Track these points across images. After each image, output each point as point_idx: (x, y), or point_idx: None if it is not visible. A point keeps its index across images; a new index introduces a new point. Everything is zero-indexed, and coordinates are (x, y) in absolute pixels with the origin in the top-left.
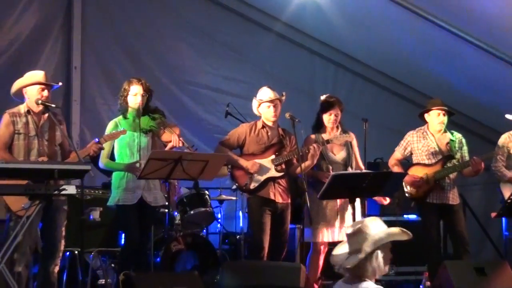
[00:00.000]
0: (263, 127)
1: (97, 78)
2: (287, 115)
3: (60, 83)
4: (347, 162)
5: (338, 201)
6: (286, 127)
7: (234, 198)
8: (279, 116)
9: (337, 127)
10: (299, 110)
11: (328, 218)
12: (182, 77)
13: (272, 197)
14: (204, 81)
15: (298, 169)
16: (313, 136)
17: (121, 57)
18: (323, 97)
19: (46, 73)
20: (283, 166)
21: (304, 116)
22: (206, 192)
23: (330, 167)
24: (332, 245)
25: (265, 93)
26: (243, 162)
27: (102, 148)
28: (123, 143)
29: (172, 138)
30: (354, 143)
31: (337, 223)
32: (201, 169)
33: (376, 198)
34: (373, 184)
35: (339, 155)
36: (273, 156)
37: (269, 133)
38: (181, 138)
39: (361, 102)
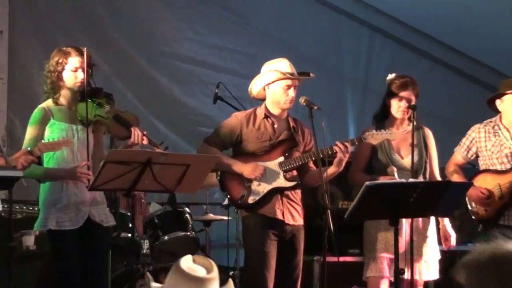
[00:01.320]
0: (266, 117)
1: (32, 46)
2: (302, 100)
3: None
4: (419, 168)
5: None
6: (299, 116)
7: (225, 217)
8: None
9: (409, 119)
10: (319, 93)
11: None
12: (153, 45)
13: (279, 216)
14: (184, 51)
15: (316, 177)
16: (372, 128)
17: (66, 17)
18: (391, 76)
19: None
20: (295, 172)
21: (326, 101)
22: (187, 209)
23: (395, 171)
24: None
25: (283, 66)
26: (238, 166)
27: (34, 162)
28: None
29: (132, 133)
30: (431, 143)
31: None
32: (180, 176)
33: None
34: (424, 199)
35: (408, 158)
36: (281, 159)
37: (275, 126)
38: (145, 133)
39: None
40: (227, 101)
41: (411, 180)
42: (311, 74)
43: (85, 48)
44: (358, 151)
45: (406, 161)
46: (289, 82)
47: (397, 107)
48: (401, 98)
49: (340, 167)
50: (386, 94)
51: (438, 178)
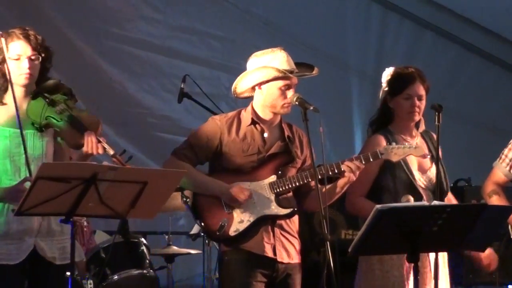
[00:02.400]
0: (254, 122)
1: None
2: (294, 98)
3: None
4: (437, 189)
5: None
6: (291, 120)
7: (195, 251)
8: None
9: (417, 126)
10: (316, 89)
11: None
12: (99, 26)
13: (268, 253)
14: (140, 34)
15: (313, 202)
16: (381, 139)
17: None
18: (390, 69)
19: None
20: (291, 195)
21: (325, 99)
22: (143, 240)
23: (412, 201)
24: None
25: (279, 61)
26: (218, 186)
27: None
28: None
29: (85, 140)
30: (441, 152)
31: None
32: (134, 197)
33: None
34: (452, 228)
35: (430, 172)
36: (272, 178)
37: (265, 134)
38: (102, 140)
39: (430, 75)
40: (196, 99)
41: (435, 202)
42: (315, 69)
43: (30, 31)
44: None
45: (429, 176)
46: (288, 81)
47: (407, 107)
48: (409, 96)
49: (342, 189)
50: (387, 93)
51: (453, 200)
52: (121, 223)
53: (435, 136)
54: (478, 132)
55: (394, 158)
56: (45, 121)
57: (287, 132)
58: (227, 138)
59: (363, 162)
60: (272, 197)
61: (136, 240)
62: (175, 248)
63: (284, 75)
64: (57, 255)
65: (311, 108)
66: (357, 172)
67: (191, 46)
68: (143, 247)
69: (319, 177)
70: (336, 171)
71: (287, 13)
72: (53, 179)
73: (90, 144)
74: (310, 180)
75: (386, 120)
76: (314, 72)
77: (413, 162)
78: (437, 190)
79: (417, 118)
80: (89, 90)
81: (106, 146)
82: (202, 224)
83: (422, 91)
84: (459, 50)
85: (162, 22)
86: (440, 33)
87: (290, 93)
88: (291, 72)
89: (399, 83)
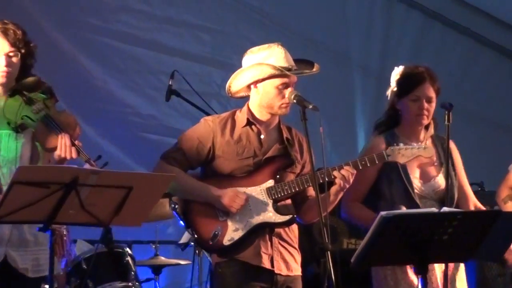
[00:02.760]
0: (249, 123)
1: None
2: (291, 95)
3: None
4: (452, 195)
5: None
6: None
7: (185, 262)
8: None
9: (426, 128)
10: (317, 86)
11: None
12: (79, 18)
13: (266, 264)
14: (124, 26)
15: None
16: (381, 141)
17: None
18: (399, 68)
19: None
20: (289, 202)
21: (326, 96)
22: (128, 250)
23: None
24: None
25: (276, 57)
26: (211, 192)
27: None
28: None
29: (58, 142)
30: (457, 157)
31: None
32: (118, 204)
33: None
34: (464, 236)
35: (434, 181)
36: (270, 183)
37: (262, 136)
38: (77, 143)
39: (439, 70)
40: (186, 98)
41: (445, 209)
42: (315, 66)
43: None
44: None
45: (433, 185)
46: (286, 79)
47: (415, 110)
48: (417, 97)
49: (337, 197)
50: (394, 94)
51: (473, 198)
52: (104, 231)
53: (451, 143)
54: (491, 132)
55: (402, 160)
56: (20, 120)
57: (285, 135)
58: (220, 140)
59: (368, 165)
60: (270, 203)
61: (121, 250)
62: (162, 259)
63: (281, 73)
64: (30, 267)
65: (310, 106)
66: (350, 179)
67: (179, 40)
68: (128, 258)
69: (320, 181)
70: (327, 178)
71: (284, 3)
72: (31, 184)
73: (64, 147)
74: (310, 184)
75: (393, 122)
76: (314, 69)
77: (414, 169)
78: (447, 196)
79: (425, 121)
80: (68, 87)
81: (80, 150)
82: (194, 234)
83: (431, 92)
84: (470, 43)
85: (148, 14)
86: (450, 24)
87: (288, 93)
88: (288, 69)
89: (407, 83)
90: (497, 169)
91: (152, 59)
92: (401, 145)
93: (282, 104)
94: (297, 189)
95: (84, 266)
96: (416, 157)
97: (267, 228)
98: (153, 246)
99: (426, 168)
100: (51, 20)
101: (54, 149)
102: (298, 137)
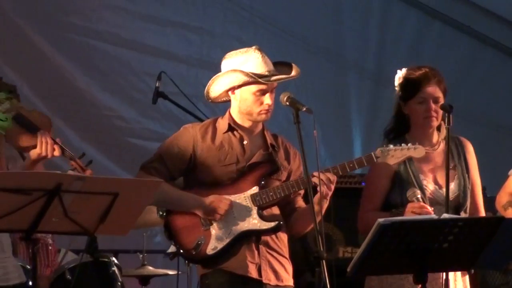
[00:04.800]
0: (231, 129)
1: None
2: (284, 97)
3: None
4: (462, 201)
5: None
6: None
7: (171, 272)
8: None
9: (438, 129)
10: (311, 87)
11: None
12: (58, 16)
13: (252, 273)
14: (106, 25)
15: (308, 219)
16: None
17: None
18: (402, 71)
19: None
20: (275, 209)
21: (321, 98)
22: (114, 260)
23: (419, 194)
24: None
25: (250, 63)
26: (193, 200)
27: None
28: None
29: (39, 141)
30: (473, 161)
31: None
32: (104, 211)
33: None
34: (465, 244)
35: (452, 186)
36: (254, 189)
37: (245, 142)
38: (58, 141)
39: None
40: (173, 100)
41: (445, 215)
42: (295, 69)
43: None
44: (370, 179)
45: (442, 193)
46: (263, 85)
47: (422, 112)
48: (423, 99)
49: (322, 205)
50: (399, 98)
51: (483, 213)
52: (89, 240)
53: (464, 141)
54: (492, 135)
55: (392, 161)
56: None
57: (270, 141)
58: (201, 146)
59: (357, 167)
60: (255, 210)
61: (106, 260)
62: (150, 269)
63: (254, 80)
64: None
65: (304, 109)
66: (331, 185)
67: (165, 40)
68: (114, 268)
69: (312, 183)
70: (302, 187)
71: (275, 0)
72: (10, 191)
73: (45, 145)
74: (297, 189)
75: (403, 128)
76: (293, 73)
77: (427, 174)
78: (446, 201)
79: (434, 123)
80: (47, 89)
81: (63, 147)
82: (176, 244)
83: (438, 92)
84: (471, 42)
85: (132, 12)
86: (450, 23)
87: (267, 99)
88: (265, 75)
89: (411, 85)
90: (498, 174)
91: (136, 61)
92: (391, 146)
93: (261, 110)
94: (282, 195)
95: (69, 277)
96: (409, 157)
97: (253, 236)
98: (140, 256)
99: (440, 173)
100: (31, 21)
101: (29, 148)
102: (285, 145)
